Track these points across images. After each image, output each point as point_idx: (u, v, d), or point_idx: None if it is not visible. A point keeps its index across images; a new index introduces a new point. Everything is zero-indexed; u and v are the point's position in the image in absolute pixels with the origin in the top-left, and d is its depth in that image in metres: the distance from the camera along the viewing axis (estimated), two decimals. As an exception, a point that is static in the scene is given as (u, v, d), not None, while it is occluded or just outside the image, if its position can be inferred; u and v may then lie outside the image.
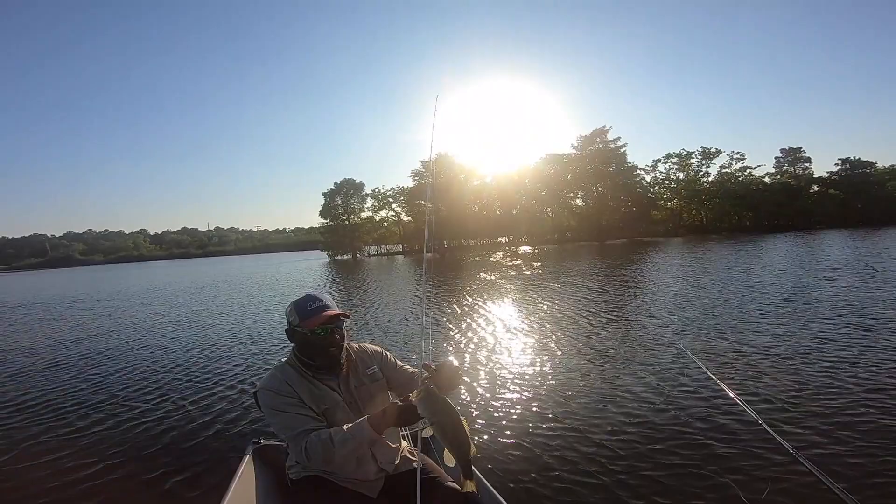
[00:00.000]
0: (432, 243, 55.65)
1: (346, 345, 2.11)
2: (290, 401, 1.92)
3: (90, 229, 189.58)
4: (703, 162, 61.47)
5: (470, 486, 1.76)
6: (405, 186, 61.54)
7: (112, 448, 4.66)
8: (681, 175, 62.15)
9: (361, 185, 62.94)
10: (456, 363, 1.97)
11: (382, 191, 63.38)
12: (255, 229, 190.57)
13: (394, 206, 63.55)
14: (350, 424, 1.86)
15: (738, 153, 60.64)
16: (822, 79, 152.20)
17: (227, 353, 8.66)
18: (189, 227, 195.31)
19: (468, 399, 5.37)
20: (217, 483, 3.17)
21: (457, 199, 56.53)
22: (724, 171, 61.32)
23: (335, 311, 2.00)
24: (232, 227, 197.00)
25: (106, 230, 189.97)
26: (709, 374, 3.60)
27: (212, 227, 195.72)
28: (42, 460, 4.43)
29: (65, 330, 13.11)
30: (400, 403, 1.87)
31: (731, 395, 3.06)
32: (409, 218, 61.38)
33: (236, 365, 7.72)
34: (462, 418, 1.77)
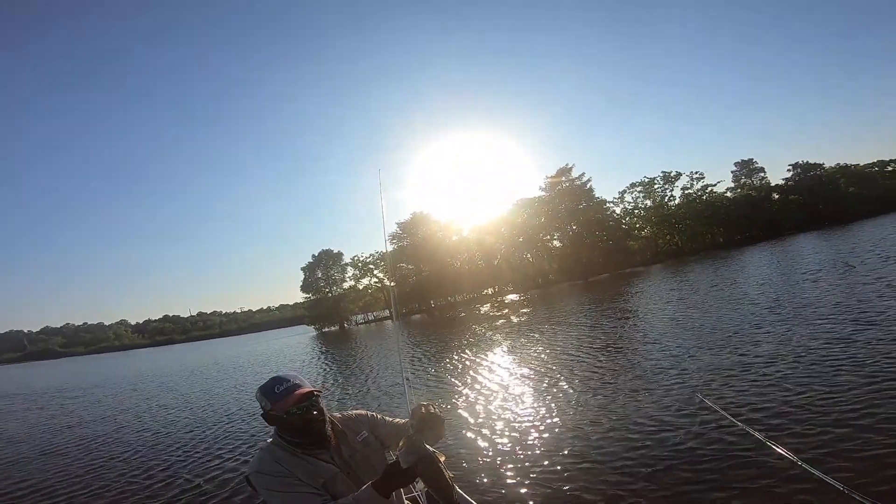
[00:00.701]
0: (419, 304, 55.48)
1: (328, 417, 2.07)
2: (286, 480, 1.86)
3: (68, 323, 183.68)
4: (667, 186, 63.69)
5: None
6: (384, 251, 61.76)
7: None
8: (648, 202, 64.09)
9: (340, 254, 63.08)
10: (433, 409, 1.94)
11: (362, 258, 63.22)
12: (238, 311, 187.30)
13: (375, 272, 63.46)
14: (356, 493, 1.83)
15: (697, 173, 63.10)
16: (756, 86, 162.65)
17: (226, 433, 8.55)
18: (171, 315, 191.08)
19: (482, 445, 5.48)
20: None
21: (438, 256, 56.92)
22: (687, 192, 63.52)
23: (305, 388, 1.95)
24: (215, 311, 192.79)
25: (85, 323, 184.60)
26: (733, 420, 3.59)
27: (194, 313, 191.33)
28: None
29: (55, 418, 13.04)
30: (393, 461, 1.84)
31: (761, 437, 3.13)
32: (393, 283, 61.10)
33: (240, 442, 7.65)
34: (442, 465, 1.77)
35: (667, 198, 63.81)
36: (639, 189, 64.17)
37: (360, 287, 63.77)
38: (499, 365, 10.75)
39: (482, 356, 12.46)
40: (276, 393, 1.93)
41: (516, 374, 9.46)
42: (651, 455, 4.52)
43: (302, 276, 62.71)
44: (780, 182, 67.13)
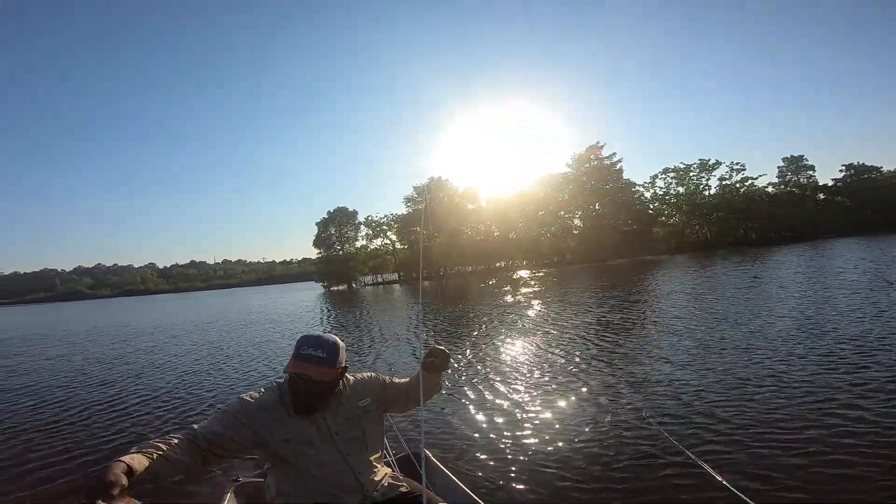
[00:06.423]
0: (428, 271, 54.46)
1: (335, 388, 2.05)
2: (235, 420, 1.91)
3: (100, 263, 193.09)
4: (703, 175, 60.06)
5: None
6: (399, 213, 60.70)
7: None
8: (681, 189, 60.71)
9: (354, 213, 62.12)
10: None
11: (376, 218, 62.41)
12: (261, 261, 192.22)
13: (388, 234, 62.54)
14: (154, 456, 1.68)
15: (737, 164, 59.16)
16: (819, 83, 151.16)
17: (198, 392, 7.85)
18: (197, 260, 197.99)
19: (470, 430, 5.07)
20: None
21: (453, 224, 55.50)
22: (724, 182, 59.78)
23: (316, 372, 1.90)
24: (240, 260, 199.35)
25: (115, 265, 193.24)
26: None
27: (219, 260, 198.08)
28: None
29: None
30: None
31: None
32: (405, 245, 60.20)
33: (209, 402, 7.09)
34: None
35: (701, 187, 60.29)
36: (672, 175, 60.78)
37: (372, 247, 63.12)
38: (501, 343, 10.00)
39: (491, 332, 11.72)
40: (300, 353, 1.93)
41: (524, 354, 8.72)
42: (591, 463, 4.05)
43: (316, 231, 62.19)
44: (829, 183, 62.67)
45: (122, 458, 1.58)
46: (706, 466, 2.40)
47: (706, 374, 6.16)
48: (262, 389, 2.06)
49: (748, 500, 1.80)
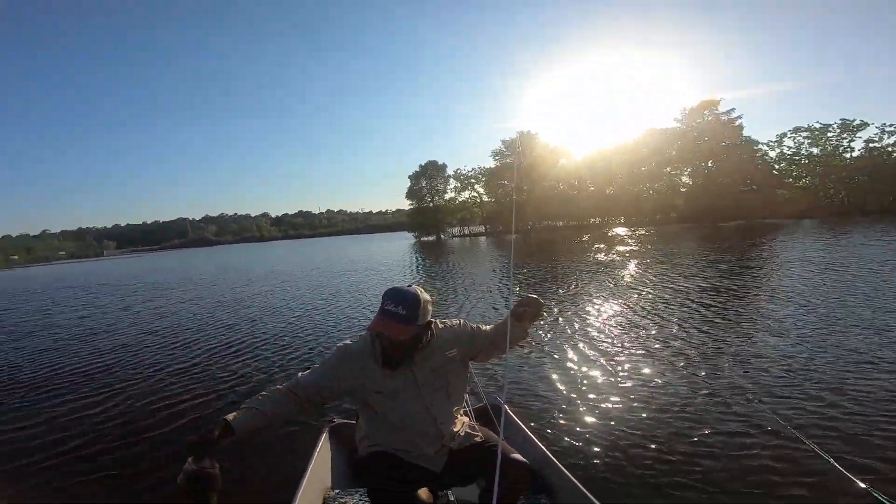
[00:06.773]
0: (515, 225, 53.87)
1: (422, 338, 2.00)
2: (332, 371, 2.00)
3: (223, 213, 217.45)
4: (844, 136, 51.30)
5: None
6: (486, 167, 60.53)
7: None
8: (815, 150, 52.68)
9: (444, 166, 62.88)
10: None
11: (464, 172, 62.83)
12: (360, 211, 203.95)
13: (476, 186, 62.69)
14: (260, 412, 1.83)
15: (891, 125, 49.43)
16: None
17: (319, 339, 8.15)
18: (304, 210, 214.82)
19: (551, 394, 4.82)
20: (300, 459, 2.98)
21: (542, 178, 53.79)
22: (872, 145, 50.64)
23: (395, 330, 1.87)
24: (341, 210, 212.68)
25: (235, 213, 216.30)
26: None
27: (323, 210, 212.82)
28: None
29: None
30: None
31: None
32: (492, 199, 59.95)
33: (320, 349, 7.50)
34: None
35: (841, 149, 51.78)
36: (805, 135, 52.72)
37: (459, 200, 63.75)
38: (587, 305, 9.49)
39: (582, 290, 11.45)
40: (384, 308, 1.91)
41: (617, 316, 8.30)
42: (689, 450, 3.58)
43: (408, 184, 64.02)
44: None
45: (227, 416, 1.74)
46: (816, 448, 2.06)
47: (827, 351, 5.31)
48: (359, 338, 2.10)
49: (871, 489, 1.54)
